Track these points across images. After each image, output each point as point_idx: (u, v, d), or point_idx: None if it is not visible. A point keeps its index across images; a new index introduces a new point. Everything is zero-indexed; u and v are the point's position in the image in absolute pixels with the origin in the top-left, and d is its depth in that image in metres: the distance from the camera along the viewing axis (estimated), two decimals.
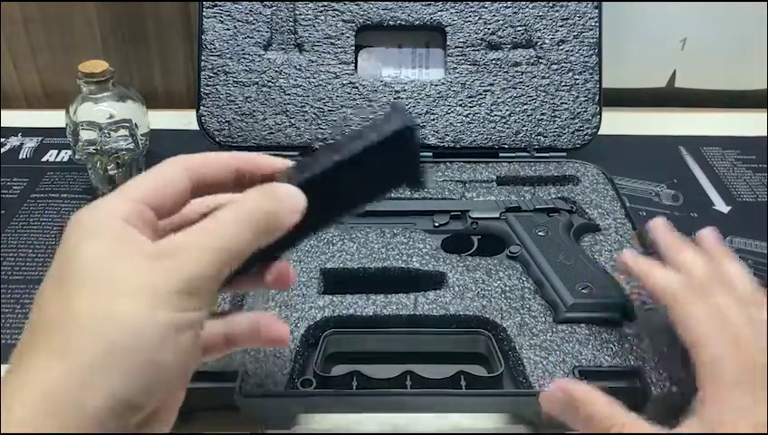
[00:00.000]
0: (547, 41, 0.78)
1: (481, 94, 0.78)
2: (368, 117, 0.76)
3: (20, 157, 0.84)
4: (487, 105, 0.77)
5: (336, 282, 0.60)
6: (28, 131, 0.88)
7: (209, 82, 0.77)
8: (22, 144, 0.86)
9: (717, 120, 0.93)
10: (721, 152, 0.87)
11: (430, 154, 0.78)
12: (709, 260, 0.48)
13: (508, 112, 0.78)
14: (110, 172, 0.74)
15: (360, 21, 0.77)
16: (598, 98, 0.78)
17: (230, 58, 0.77)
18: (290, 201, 0.35)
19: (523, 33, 0.77)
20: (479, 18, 0.77)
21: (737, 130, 0.90)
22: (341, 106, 0.77)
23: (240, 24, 0.77)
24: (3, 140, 0.87)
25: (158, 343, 0.29)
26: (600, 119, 0.78)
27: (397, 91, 0.77)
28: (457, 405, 0.51)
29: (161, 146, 0.81)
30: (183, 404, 0.36)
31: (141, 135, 0.74)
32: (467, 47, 0.78)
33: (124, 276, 0.30)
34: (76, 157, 0.73)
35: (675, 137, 0.90)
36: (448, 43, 0.78)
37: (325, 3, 0.77)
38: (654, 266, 0.49)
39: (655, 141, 0.89)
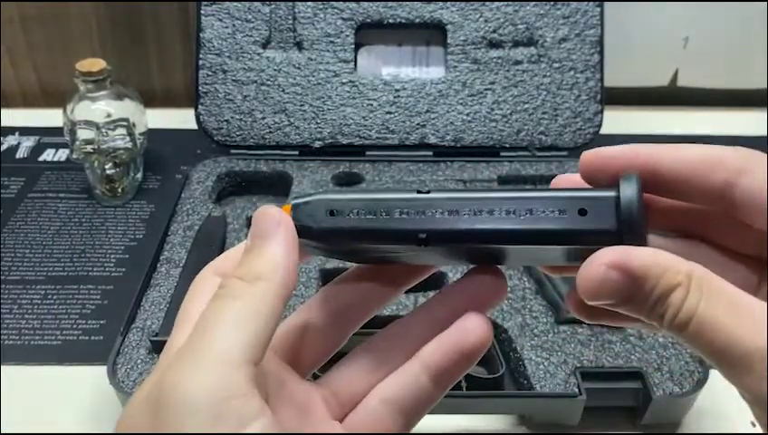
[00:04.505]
0: (548, 39, 0.77)
1: (482, 93, 0.77)
2: None
3: (17, 156, 0.83)
4: (488, 104, 0.77)
5: None
6: (25, 130, 0.88)
7: (207, 81, 0.76)
8: (19, 143, 0.86)
9: (719, 119, 0.92)
10: None
11: (430, 153, 0.77)
12: None
13: (509, 111, 0.77)
14: (108, 171, 0.73)
15: (360, 19, 0.77)
16: (599, 97, 0.77)
17: (229, 56, 0.76)
18: None
19: (524, 32, 0.77)
20: (480, 16, 0.77)
21: (739, 130, 0.90)
22: (341, 105, 0.77)
23: (239, 22, 0.76)
24: (0, 138, 0.86)
25: None
26: (602, 118, 0.78)
27: (397, 90, 0.77)
28: (458, 406, 0.50)
29: (159, 145, 0.81)
30: None
31: (139, 134, 0.74)
32: (468, 45, 0.77)
33: None
34: (74, 156, 0.73)
35: (677, 136, 0.89)
36: (449, 41, 0.77)
37: (324, 1, 0.76)
38: None
39: (657, 140, 0.86)
